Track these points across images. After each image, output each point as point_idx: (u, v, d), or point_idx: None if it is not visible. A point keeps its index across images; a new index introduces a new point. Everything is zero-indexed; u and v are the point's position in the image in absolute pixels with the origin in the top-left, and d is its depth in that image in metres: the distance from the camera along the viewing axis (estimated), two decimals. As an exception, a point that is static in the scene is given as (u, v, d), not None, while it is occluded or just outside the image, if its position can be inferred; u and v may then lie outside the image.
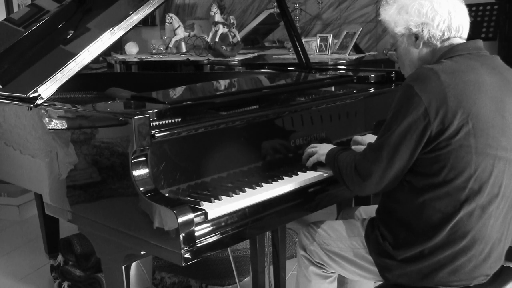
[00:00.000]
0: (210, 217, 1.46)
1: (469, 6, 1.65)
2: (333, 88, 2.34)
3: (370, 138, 1.91)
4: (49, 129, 1.80)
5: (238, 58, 3.74)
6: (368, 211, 1.94)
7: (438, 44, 1.58)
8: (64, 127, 1.75)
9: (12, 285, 2.97)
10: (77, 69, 1.86)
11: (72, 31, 2.17)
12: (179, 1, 5.18)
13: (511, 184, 1.54)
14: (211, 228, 1.47)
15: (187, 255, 1.40)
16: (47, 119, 1.80)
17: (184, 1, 5.18)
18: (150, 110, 1.58)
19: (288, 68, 3.00)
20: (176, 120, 1.62)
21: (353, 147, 1.93)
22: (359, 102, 2.17)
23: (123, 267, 1.67)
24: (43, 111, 1.81)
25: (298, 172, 1.79)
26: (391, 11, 1.63)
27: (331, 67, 3.09)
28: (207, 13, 4.30)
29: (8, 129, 2.06)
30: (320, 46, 3.74)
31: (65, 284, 2.74)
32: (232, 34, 4.06)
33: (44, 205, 1.92)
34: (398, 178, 1.54)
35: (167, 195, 1.55)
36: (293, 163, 1.87)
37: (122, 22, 1.91)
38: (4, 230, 3.75)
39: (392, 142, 1.49)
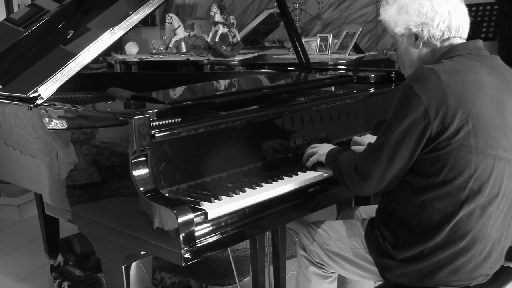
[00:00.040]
0: (210, 217, 1.46)
1: (469, 6, 1.65)
2: (333, 88, 2.34)
3: (370, 138, 1.91)
4: (49, 129, 1.80)
5: (238, 58, 3.74)
6: (368, 211, 1.94)
7: (438, 44, 1.58)
8: (64, 127, 1.75)
9: (12, 285, 2.97)
10: (77, 69, 1.86)
11: (72, 31, 2.17)
12: (179, 1, 5.18)
13: (511, 184, 1.54)
14: (211, 228, 1.47)
15: (187, 255, 1.40)
16: (47, 119, 1.80)
17: (184, 1, 5.18)
18: (150, 110, 1.58)
19: (288, 68, 3.00)
20: (176, 120, 1.62)
21: (353, 147, 1.93)
22: (359, 102, 2.17)
23: (123, 267, 1.67)
24: (43, 111, 1.81)
25: (298, 172, 1.79)
26: (391, 11, 1.63)
27: (331, 67, 3.09)
28: (207, 13, 4.30)
29: (8, 129, 2.06)
30: (320, 46, 3.74)
31: (65, 284, 2.74)
32: (232, 34, 4.06)
33: (44, 205, 1.92)
34: (398, 178, 1.54)
35: (167, 195, 1.55)
36: (293, 163, 1.87)
37: (122, 22, 1.91)
38: (4, 230, 3.75)
39: (392, 142, 1.49)
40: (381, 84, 2.36)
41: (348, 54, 3.63)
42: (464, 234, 1.50)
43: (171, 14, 4.23)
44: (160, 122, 1.59)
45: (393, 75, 2.40)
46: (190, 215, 1.39)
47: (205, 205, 1.51)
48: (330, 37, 3.72)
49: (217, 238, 1.47)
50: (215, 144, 1.69)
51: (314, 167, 1.84)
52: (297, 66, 2.78)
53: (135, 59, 3.96)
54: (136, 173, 1.49)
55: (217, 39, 3.87)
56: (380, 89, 2.29)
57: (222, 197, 1.56)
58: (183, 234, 1.37)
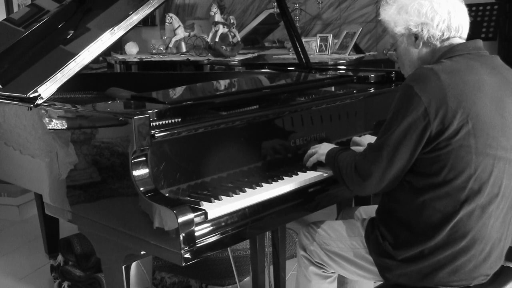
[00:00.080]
0: (210, 217, 1.46)
1: (469, 6, 1.65)
2: (333, 88, 2.34)
3: (369, 139, 1.91)
4: (49, 129, 1.80)
5: (238, 58, 3.74)
6: (368, 211, 1.94)
7: (438, 44, 1.58)
8: (64, 127, 1.75)
9: (12, 285, 2.97)
10: (77, 69, 1.86)
11: (72, 31, 2.17)
12: (179, 1, 5.18)
13: (511, 184, 1.54)
14: (211, 228, 1.47)
15: (187, 255, 1.40)
16: (47, 119, 1.80)
17: (184, 1, 5.18)
18: (150, 110, 1.58)
19: (288, 68, 3.00)
20: (176, 120, 1.62)
21: (352, 148, 1.93)
22: (359, 102, 2.17)
23: (123, 267, 1.67)
24: (43, 111, 1.81)
25: (298, 172, 1.79)
26: (391, 11, 1.63)
27: (331, 67, 3.09)
28: (207, 13, 4.30)
29: (8, 129, 2.06)
30: (320, 46, 3.74)
31: (65, 284, 2.74)
32: (232, 34, 4.06)
33: (44, 205, 1.92)
34: (398, 178, 1.54)
35: (167, 195, 1.55)
36: (293, 163, 1.87)
37: (122, 22, 1.91)
38: (4, 230, 3.75)
39: (392, 142, 1.49)
40: (381, 84, 2.36)
41: (348, 54, 3.63)
42: (464, 234, 1.50)
43: (171, 14, 4.23)
44: (160, 122, 1.59)
45: (393, 75, 2.40)
46: (190, 215, 1.39)
47: (205, 205, 1.51)
48: (330, 37, 3.72)
49: (217, 238, 1.47)
50: (215, 144, 1.69)
51: (314, 167, 1.84)
52: (297, 66, 2.78)
53: (135, 59, 3.96)
54: (136, 173, 1.49)
55: (217, 39, 3.87)
56: (380, 89, 2.29)
57: (222, 197, 1.56)
58: (183, 234, 1.37)
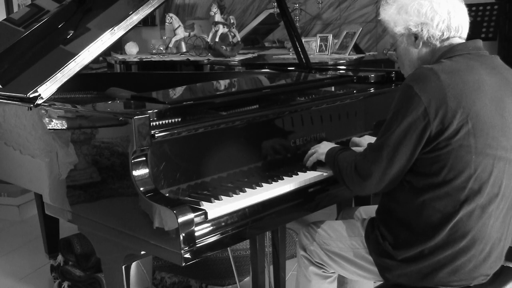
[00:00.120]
0: (210, 217, 1.46)
1: (469, 6, 1.65)
2: (333, 88, 2.34)
3: (368, 139, 1.91)
4: (49, 129, 1.80)
5: (238, 58, 3.74)
6: (368, 211, 1.94)
7: (438, 44, 1.58)
8: (64, 127, 1.75)
9: (12, 285, 2.97)
10: (77, 69, 1.86)
11: (72, 31, 2.17)
12: (179, 1, 5.18)
13: (511, 184, 1.54)
14: (211, 228, 1.47)
15: (187, 255, 1.40)
16: (47, 119, 1.80)
17: (184, 1, 5.18)
18: (150, 110, 1.59)
19: (288, 68, 3.00)
20: (176, 120, 1.62)
21: (351, 148, 1.93)
22: (359, 102, 2.17)
23: (123, 267, 1.67)
24: (43, 111, 1.81)
25: (298, 172, 1.79)
26: (391, 11, 1.63)
27: (331, 67, 3.09)
28: (207, 13, 4.30)
29: (8, 129, 2.06)
30: (320, 46, 3.74)
31: (65, 284, 2.74)
32: (232, 34, 4.06)
33: (44, 205, 1.92)
34: (398, 178, 1.54)
35: (167, 195, 1.55)
36: (293, 163, 1.87)
37: (122, 22, 1.91)
38: (4, 230, 3.75)
39: (392, 142, 1.49)
40: (381, 84, 2.36)
41: (348, 54, 3.63)
42: (464, 234, 1.50)
43: (171, 14, 4.23)
44: (160, 122, 1.59)
45: (393, 75, 2.40)
46: (190, 215, 1.39)
47: (205, 205, 1.51)
48: (330, 37, 3.72)
49: (217, 238, 1.47)
50: (215, 144, 1.69)
51: (314, 167, 1.84)
52: (297, 66, 2.78)
53: (135, 59, 3.96)
54: (136, 173, 1.49)
55: (217, 39, 3.87)
56: (380, 89, 2.29)
57: (222, 197, 1.56)
58: (183, 234, 1.37)
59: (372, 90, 2.27)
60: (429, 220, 1.51)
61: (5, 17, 3.68)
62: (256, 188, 1.65)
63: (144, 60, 3.90)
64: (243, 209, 1.56)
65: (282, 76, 2.70)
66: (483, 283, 1.58)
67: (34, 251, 3.32)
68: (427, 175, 1.50)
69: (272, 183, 1.70)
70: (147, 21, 5.06)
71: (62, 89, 1.89)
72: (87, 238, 1.80)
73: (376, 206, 1.73)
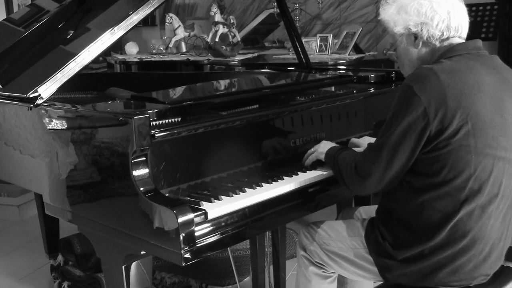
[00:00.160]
0: (210, 217, 1.46)
1: (469, 6, 1.65)
2: (333, 88, 2.34)
3: (367, 140, 1.91)
4: (49, 129, 1.80)
5: (238, 58, 3.74)
6: (368, 211, 1.94)
7: (437, 44, 1.58)
8: (64, 127, 1.75)
9: (12, 285, 2.97)
10: (77, 69, 1.86)
11: (72, 31, 2.17)
12: (179, 1, 5.18)
13: (511, 183, 1.54)
14: (211, 228, 1.47)
15: (187, 255, 1.40)
16: (47, 119, 1.80)
17: (184, 1, 5.18)
18: (150, 110, 1.58)
19: (288, 68, 3.00)
20: (176, 120, 1.62)
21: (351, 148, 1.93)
22: (359, 102, 2.17)
23: (123, 267, 1.67)
24: (43, 111, 1.81)
25: (298, 172, 1.79)
26: (391, 10, 1.63)
27: (331, 67, 3.09)
28: (207, 13, 4.30)
29: (8, 129, 2.06)
30: (320, 46, 3.74)
31: (65, 284, 2.74)
32: (232, 34, 4.06)
33: (44, 205, 1.92)
34: (398, 178, 1.54)
35: (167, 195, 1.55)
36: (293, 163, 1.87)
37: (122, 22, 1.91)
38: (4, 230, 3.75)
39: (392, 142, 1.49)
40: (381, 84, 2.36)
41: (348, 54, 3.63)
42: (464, 234, 1.50)
43: (171, 14, 4.23)
44: (160, 122, 1.59)
45: (393, 75, 2.40)
46: (190, 215, 1.39)
47: (205, 205, 1.51)
48: (330, 37, 3.72)
49: (217, 238, 1.47)
50: (215, 144, 1.69)
51: (314, 167, 1.84)
52: (297, 66, 2.78)
53: (135, 59, 3.96)
54: (136, 173, 1.49)
55: (217, 39, 3.87)
56: (380, 89, 2.29)
57: (222, 197, 1.56)
58: (183, 234, 1.37)
59: (372, 90, 2.26)
60: (429, 220, 1.51)
61: (5, 17, 3.68)
62: (256, 188, 1.65)
63: (144, 60, 3.90)
64: (243, 209, 1.56)
65: (282, 76, 2.70)
66: (483, 283, 1.58)
67: (34, 251, 3.32)
68: (427, 175, 1.50)
69: (272, 183, 1.70)
70: (147, 21, 5.06)
71: (62, 89, 1.89)
72: (87, 238, 1.80)
73: (376, 206, 1.73)
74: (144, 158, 1.50)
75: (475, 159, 1.45)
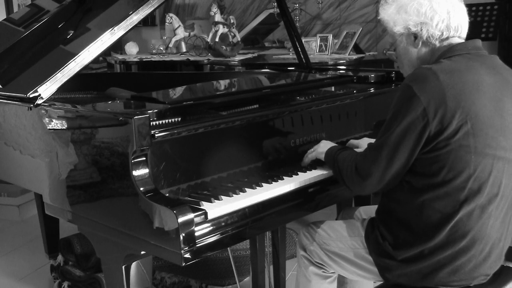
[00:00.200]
0: (210, 217, 1.47)
1: (469, 6, 1.65)
2: (333, 88, 2.34)
3: (366, 141, 1.91)
4: (49, 129, 1.80)
5: (238, 58, 3.74)
6: (368, 211, 1.94)
7: (437, 43, 1.58)
8: (64, 127, 1.75)
9: (12, 285, 2.97)
10: (77, 69, 1.86)
11: (72, 31, 2.17)
12: (179, 1, 5.18)
13: (510, 183, 1.54)
14: (211, 228, 1.47)
15: (187, 255, 1.40)
16: (47, 119, 1.80)
17: (184, 1, 5.18)
18: (150, 110, 1.58)
19: (288, 68, 3.00)
20: (176, 120, 1.62)
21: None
22: (359, 102, 2.17)
23: (123, 267, 1.67)
24: (43, 111, 1.81)
25: (298, 172, 1.79)
26: (390, 10, 1.63)
27: (331, 67, 3.09)
28: (207, 13, 4.30)
29: (8, 129, 2.06)
30: (320, 46, 3.74)
31: (65, 284, 2.74)
32: (232, 34, 4.06)
33: (44, 205, 1.92)
34: (398, 178, 1.54)
35: (167, 195, 1.55)
36: (293, 163, 1.87)
37: (122, 22, 1.92)
38: (4, 230, 3.75)
39: (392, 142, 1.49)
40: (381, 84, 2.36)
41: (348, 54, 3.63)
42: (463, 234, 1.50)
43: (171, 14, 4.23)
44: (160, 122, 1.59)
45: (393, 75, 2.40)
46: (190, 215, 1.39)
47: (205, 205, 1.51)
48: (330, 37, 3.72)
49: (217, 238, 1.47)
50: (215, 144, 1.69)
51: (314, 167, 1.84)
52: (297, 66, 2.78)
53: (135, 59, 3.96)
54: (136, 173, 1.49)
55: (217, 39, 3.87)
56: (380, 89, 2.29)
57: (222, 197, 1.56)
58: (183, 234, 1.37)
59: (372, 90, 2.27)
60: (429, 220, 1.51)
61: (5, 17, 3.68)
62: (256, 188, 1.65)
63: (144, 60, 3.90)
64: (243, 209, 1.56)
65: (282, 76, 2.70)
66: (483, 283, 1.58)
67: (34, 251, 3.32)
68: (426, 175, 1.50)
69: (272, 183, 1.70)
70: (147, 21, 5.06)
71: (62, 89, 1.89)
72: (87, 238, 1.80)
73: (376, 206, 1.73)
74: (144, 158, 1.50)
75: (475, 159, 1.45)
